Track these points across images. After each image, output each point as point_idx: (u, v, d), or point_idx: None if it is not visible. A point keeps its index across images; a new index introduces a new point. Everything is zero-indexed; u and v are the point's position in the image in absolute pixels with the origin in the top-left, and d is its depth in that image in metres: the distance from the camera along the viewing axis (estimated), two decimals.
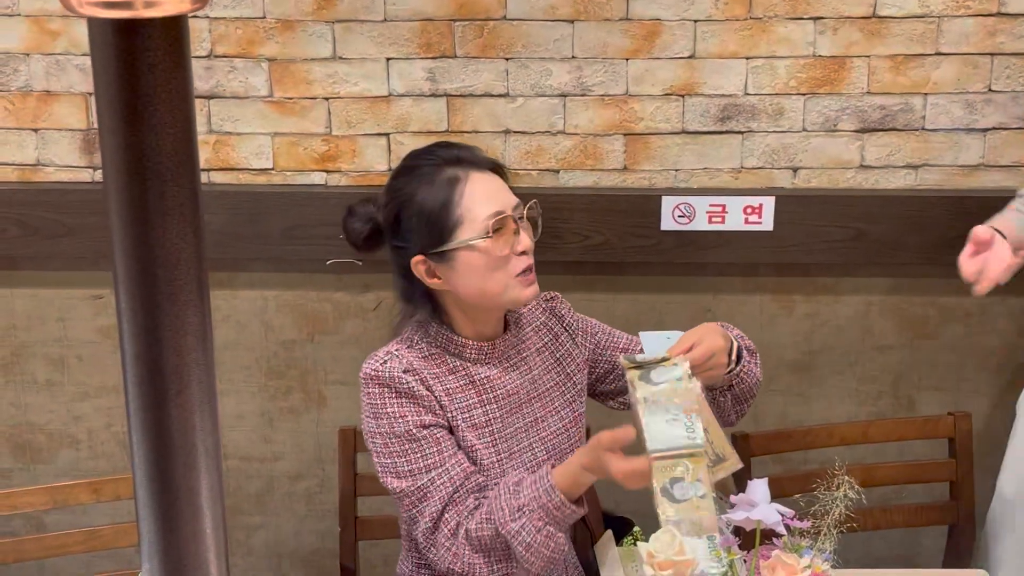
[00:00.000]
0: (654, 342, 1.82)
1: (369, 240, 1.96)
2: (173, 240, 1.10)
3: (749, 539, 1.61)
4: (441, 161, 1.89)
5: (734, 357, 1.88)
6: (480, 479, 1.89)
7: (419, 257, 1.89)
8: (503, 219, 1.84)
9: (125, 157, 1.08)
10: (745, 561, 1.58)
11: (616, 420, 2.16)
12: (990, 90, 2.44)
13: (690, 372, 1.70)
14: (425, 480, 1.85)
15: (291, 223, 2.51)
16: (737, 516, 1.57)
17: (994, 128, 2.47)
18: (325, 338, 2.63)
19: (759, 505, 1.57)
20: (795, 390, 2.66)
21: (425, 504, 1.85)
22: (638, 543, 1.53)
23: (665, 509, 1.62)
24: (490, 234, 1.83)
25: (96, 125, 2.46)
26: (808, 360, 2.64)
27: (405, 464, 1.86)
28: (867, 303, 2.61)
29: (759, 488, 1.58)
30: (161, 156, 1.08)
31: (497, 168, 1.93)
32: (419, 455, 1.86)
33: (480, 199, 1.85)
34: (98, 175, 2.50)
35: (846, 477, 1.57)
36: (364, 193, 2.48)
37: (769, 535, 1.60)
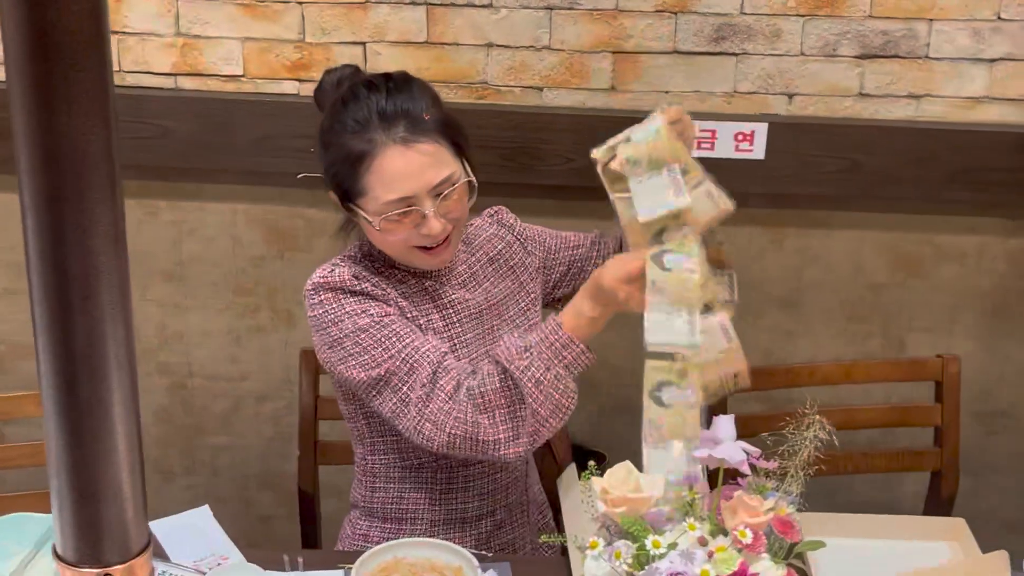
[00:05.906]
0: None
1: None
2: (80, 130, 0.99)
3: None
4: (369, 115, 1.71)
5: None
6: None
7: (332, 193, 1.80)
8: (404, 210, 1.71)
9: (27, 34, 0.97)
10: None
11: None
12: (999, 18, 2.31)
13: (666, 125, 1.65)
14: (410, 350, 1.72)
15: (262, 133, 2.40)
16: (700, 454, 1.48)
17: (1001, 59, 2.34)
18: (296, 255, 2.54)
19: (723, 443, 1.47)
20: (782, 328, 2.56)
21: (415, 375, 1.71)
22: (593, 477, 1.44)
23: (653, 272, 1.57)
24: (384, 220, 1.71)
25: None
26: (796, 296, 2.54)
27: (383, 351, 1.73)
28: (860, 239, 2.50)
29: (725, 425, 1.49)
30: (65, 34, 0.97)
31: (444, 126, 1.74)
32: (395, 338, 1.73)
33: (386, 181, 1.70)
34: None
35: (817, 417, 1.47)
36: None
37: (735, 475, 1.51)
